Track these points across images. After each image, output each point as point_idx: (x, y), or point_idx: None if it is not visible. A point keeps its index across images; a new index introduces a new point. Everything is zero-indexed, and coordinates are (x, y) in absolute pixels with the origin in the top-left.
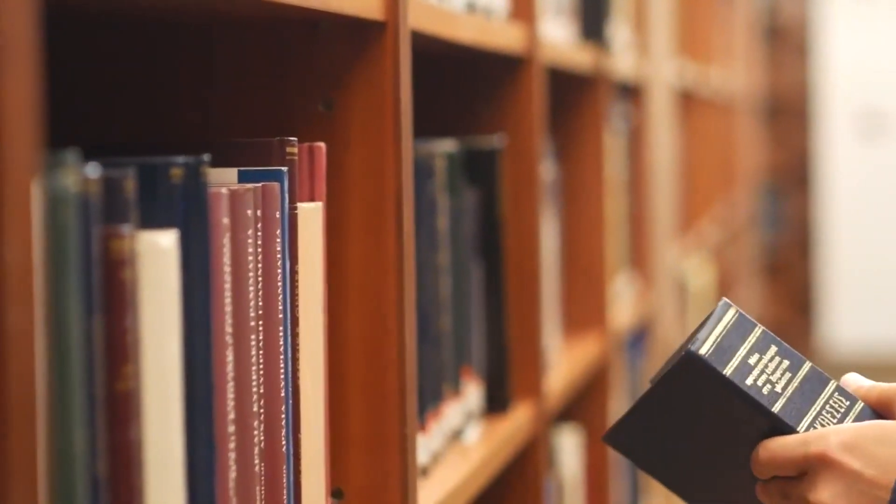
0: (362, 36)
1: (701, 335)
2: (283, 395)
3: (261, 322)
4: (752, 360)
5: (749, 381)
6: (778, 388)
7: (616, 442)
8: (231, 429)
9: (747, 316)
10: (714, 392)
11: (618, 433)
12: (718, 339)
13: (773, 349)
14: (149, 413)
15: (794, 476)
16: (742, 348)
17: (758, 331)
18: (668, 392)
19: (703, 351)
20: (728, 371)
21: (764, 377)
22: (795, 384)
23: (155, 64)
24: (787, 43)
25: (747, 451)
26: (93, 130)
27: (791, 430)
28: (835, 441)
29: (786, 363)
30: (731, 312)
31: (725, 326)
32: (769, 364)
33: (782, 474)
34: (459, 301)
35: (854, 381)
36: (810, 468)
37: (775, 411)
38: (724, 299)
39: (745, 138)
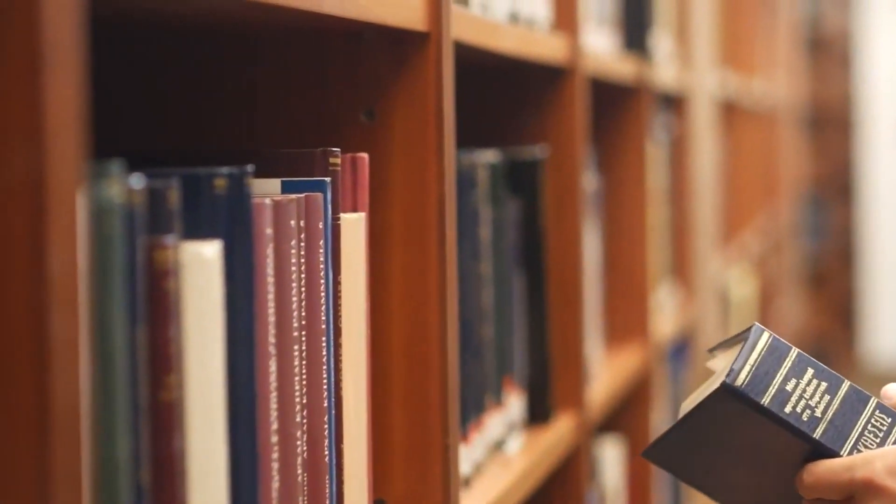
0: (405, 47)
1: (736, 365)
2: (325, 405)
3: (304, 332)
4: (789, 387)
5: (788, 409)
6: (818, 413)
7: (655, 458)
8: (274, 439)
9: (781, 339)
10: (753, 419)
11: (657, 450)
12: (754, 368)
13: (810, 372)
14: (192, 423)
15: (840, 500)
16: (778, 375)
17: (793, 354)
18: (705, 417)
19: (738, 382)
20: (766, 400)
21: (802, 402)
22: (835, 406)
23: (199, 74)
24: (829, 53)
25: (789, 469)
26: (136, 140)
27: (834, 454)
28: (880, 466)
29: (824, 385)
30: (764, 337)
31: (760, 353)
32: (807, 388)
33: (827, 498)
34: (501, 311)
35: (895, 392)
36: (857, 493)
37: (816, 437)
38: (756, 324)
39: (788, 148)
